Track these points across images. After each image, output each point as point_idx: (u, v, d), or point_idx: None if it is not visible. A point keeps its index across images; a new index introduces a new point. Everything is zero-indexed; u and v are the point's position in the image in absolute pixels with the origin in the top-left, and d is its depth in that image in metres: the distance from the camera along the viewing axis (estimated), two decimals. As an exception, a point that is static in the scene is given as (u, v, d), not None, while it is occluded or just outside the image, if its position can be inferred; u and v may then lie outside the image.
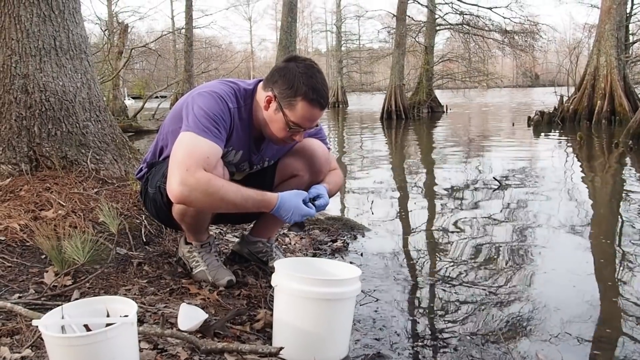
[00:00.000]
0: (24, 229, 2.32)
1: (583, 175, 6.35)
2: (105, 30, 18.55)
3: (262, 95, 1.96)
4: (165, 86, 23.30)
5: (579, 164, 7.47)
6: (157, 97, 20.53)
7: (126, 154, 3.15)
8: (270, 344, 1.75)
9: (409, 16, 21.69)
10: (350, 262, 2.73)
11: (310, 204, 1.96)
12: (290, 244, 3.03)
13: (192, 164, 1.77)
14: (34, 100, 2.82)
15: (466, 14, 23.72)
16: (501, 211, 4.22)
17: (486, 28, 24.21)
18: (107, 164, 2.99)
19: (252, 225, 2.52)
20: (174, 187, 1.78)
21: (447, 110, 22.37)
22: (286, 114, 1.91)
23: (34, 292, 1.92)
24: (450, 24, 24.32)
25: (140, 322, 1.73)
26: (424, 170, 7.07)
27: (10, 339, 1.56)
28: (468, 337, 2.01)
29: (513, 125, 14.22)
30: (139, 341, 1.50)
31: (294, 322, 1.68)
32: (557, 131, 12.41)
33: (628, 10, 15.66)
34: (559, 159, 7.80)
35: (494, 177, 5.56)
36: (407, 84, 21.75)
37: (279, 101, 1.91)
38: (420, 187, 5.66)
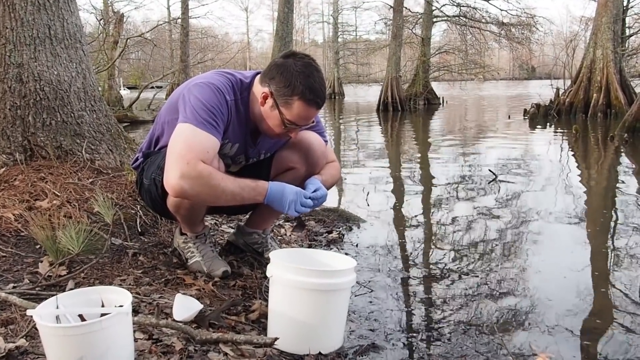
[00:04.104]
0: (18, 219, 2.31)
1: (578, 168, 6.36)
2: (101, 19, 18.45)
3: (259, 89, 1.94)
4: (161, 76, 23.18)
5: (575, 157, 7.49)
6: (152, 87, 20.46)
7: (121, 144, 3.13)
8: (265, 335, 1.75)
9: (406, 8, 21.63)
10: (346, 254, 2.74)
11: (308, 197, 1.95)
12: (285, 235, 3.03)
13: (193, 157, 1.75)
14: (28, 90, 2.80)
15: (463, 6, 23.71)
16: (496, 203, 4.23)
17: (483, 20, 24.20)
18: (102, 154, 2.97)
19: (247, 216, 2.52)
20: (174, 180, 1.76)
21: (443, 102, 22.36)
22: (282, 112, 1.89)
23: (28, 282, 1.92)
24: (447, 16, 24.28)
25: (135, 312, 1.73)
26: (420, 162, 7.07)
27: (5, 328, 1.55)
28: (462, 329, 2.03)
29: (509, 117, 14.22)
30: (134, 331, 1.50)
31: (289, 313, 1.68)
32: (553, 124, 12.43)
33: (625, 3, 15.65)
34: (554, 152, 7.81)
35: (489, 170, 5.56)
36: (403, 75, 21.73)
37: (275, 98, 1.89)
38: (416, 179, 5.67)
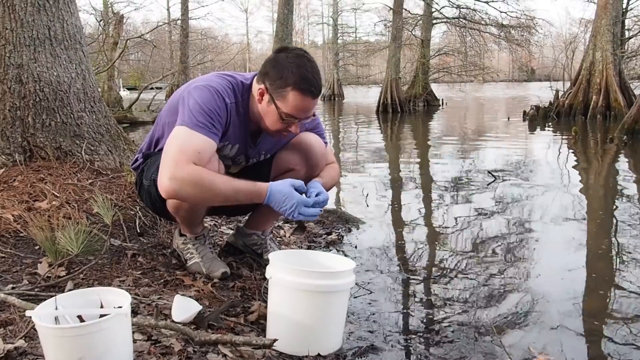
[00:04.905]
0: (17, 220, 2.31)
1: (577, 169, 6.37)
2: (101, 20, 18.45)
3: (256, 88, 1.95)
4: (160, 77, 23.17)
5: (574, 158, 7.49)
6: (152, 88, 20.44)
7: (121, 145, 3.14)
8: (264, 336, 1.75)
9: (405, 9, 21.64)
10: (345, 255, 2.74)
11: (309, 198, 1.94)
12: (285, 236, 3.03)
13: (183, 158, 1.76)
14: (28, 91, 2.81)
15: (463, 8, 23.69)
16: (495, 205, 4.23)
17: (483, 22, 24.19)
18: (102, 155, 2.98)
19: (247, 217, 2.52)
20: (164, 182, 1.77)
21: (443, 104, 22.37)
22: (278, 106, 1.89)
23: (27, 282, 1.91)
24: (446, 18, 24.28)
25: (134, 313, 1.73)
26: (419, 164, 7.07)
27: (4, 329, 1.55)
28: (461, 330, 2.03)
29: (508, 119, 14.23)
30: (133, 332, 1.50)
31: (288, 314, 1.68)
32: (553, 126, 12.44)
33: (624, 6, 15.68)
34: (553, 154, 7.82)
35: (488, 171, 5.57)
36: (403, 77, 21.71)
37: (270, 93, 1.89)
38: (415, 180, 5.67)
